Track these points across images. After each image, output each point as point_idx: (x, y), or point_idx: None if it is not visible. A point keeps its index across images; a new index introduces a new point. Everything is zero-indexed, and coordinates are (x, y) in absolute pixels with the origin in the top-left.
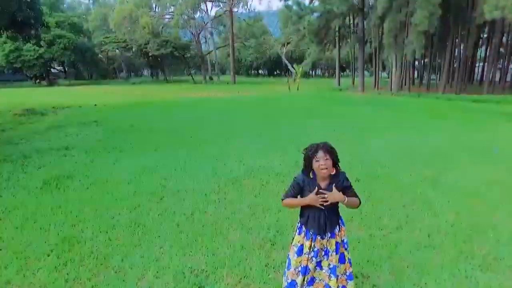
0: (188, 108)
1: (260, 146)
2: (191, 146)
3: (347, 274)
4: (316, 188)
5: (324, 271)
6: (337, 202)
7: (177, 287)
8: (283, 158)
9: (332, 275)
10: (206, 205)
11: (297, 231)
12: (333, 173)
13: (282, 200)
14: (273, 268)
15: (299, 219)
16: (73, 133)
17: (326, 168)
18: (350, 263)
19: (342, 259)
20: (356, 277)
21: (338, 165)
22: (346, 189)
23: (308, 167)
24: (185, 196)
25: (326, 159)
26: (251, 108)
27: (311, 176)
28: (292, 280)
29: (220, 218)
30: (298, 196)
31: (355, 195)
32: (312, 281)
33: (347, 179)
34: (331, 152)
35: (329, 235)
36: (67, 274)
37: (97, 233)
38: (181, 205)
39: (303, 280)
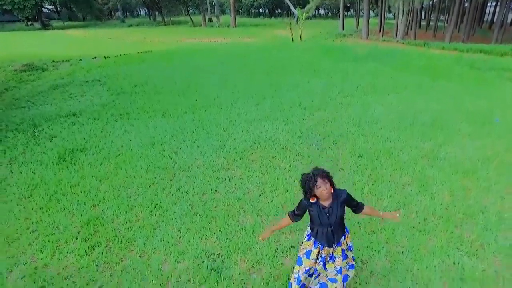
0: (190, 60)
1: (264, 113)
2: (197, 111)
3: (349, 265)
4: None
5: (329, 271)
6: (343, 217)
7: (197, 271)
8: (287, 127)
9: (338, 273)
10: (217, 183)
11: (306, 237)
12: (332, 191)
13: (289, 215)
14: (282, 253)
15: (308, 229)
16: (77, 94)
17: (329, 191)
18: (353, 258)
19: (345, 257)
20: (356, 263)
21: (333, 183)
22: (351, 201)
23: (308, 194)
24: (196, 172)
25: (326, 183)
26: (254, 64)
27: (313, 200)
28: (298, 275)
29: (231, 199)
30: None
31: (360, 202)
32: (318, 275)
33: (349, 195)
34: (327, 176)
35: (336, 244)
36: (97, 258)
37: (118, 214)
38: (193, 184)
39: (310, 275)
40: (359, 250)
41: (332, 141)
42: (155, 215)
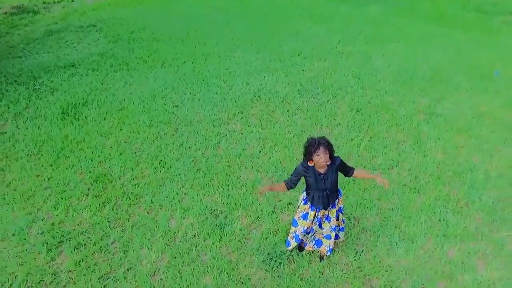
0: (189, 6)
1: (264, 63)
2: (197, 61)
3: (340, 227)
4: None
5: (324, 230)
6: (337, 181)
7: (201, 227)
8: (287, 79)
9: (332, 231)
10: (218, 139)
11: (303, 201)
12: (329, 163)
13: (284, 182)
14: (280, 209)
15: (304, 194)
16: (74, 41)
17: (325, 162)
18: (344, 221)
19: (337, 217)
20: (349, 219)
21: (333, 155)
22: (344, 167)
23: (308, 156)
24: (197, 127)
25: (326, 153)
26: (254, 10)
27: (311, 164)
28: (297, 234)
29: (232, 155)
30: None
31: (352, 167)
32: (314, 232)
33: (342, 161)
34: (329, 148)
35: (331, 206)
36: (108, 215)
37: (124, 171)
38: (195, 139)
39: (307, 233)
40: (352, 207)
41: (331, 94)
42: (160, 171)
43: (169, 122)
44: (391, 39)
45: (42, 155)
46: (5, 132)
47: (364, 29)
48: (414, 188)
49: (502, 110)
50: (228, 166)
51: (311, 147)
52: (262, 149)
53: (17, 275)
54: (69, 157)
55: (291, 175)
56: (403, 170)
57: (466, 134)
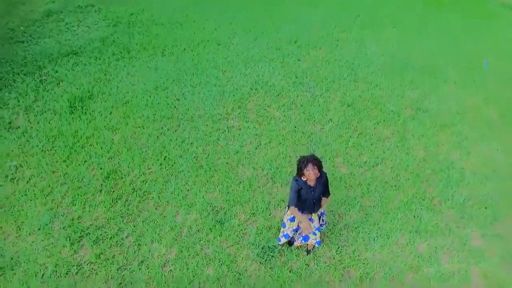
0: None
1: (261, 51)
2: (196, 48)
3: (322, 224)
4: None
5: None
6: (322, 193)
7: (204, 223)
8: (283, 70)
9: (317, 230)
10: (218, 135)
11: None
12: (318, 175)
13: (288, 206)
14: (273, 206)
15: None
16: (73, 23)
17: (315, 175)
18: (324, 222)
19: (319, 219)
20: (333, 216)
21: (321, 169)
22: (326, 187)
23: (300, 173)
24: (198, 123)
25: (314, 168)
26: None
27: (304, 178)
28: (286, 233)
29: (230, 152)
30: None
31: (327, 192)
32: (300, 230)
33: (327, 179)
34: (317, 163)
35: (316, 211)
36: (120, 210)
37: (132, 167)
38: (196, 135)
39: (296, 231)
40: (338, 204)
41: (325, 87)
42: (165, 168)
43: (172, 117)
44: (387, 23)
45: (55, 150)
46: (19, 127)
47: (360, 12)
48: (395, 186)
49: (485, 105)
50: (227, 163)
51: (301, 164)
52: (258, 146)
53: (47, 266)
54: (80, 153)
55: (290, 195)
56: (386, 168)
57: (449, 131)
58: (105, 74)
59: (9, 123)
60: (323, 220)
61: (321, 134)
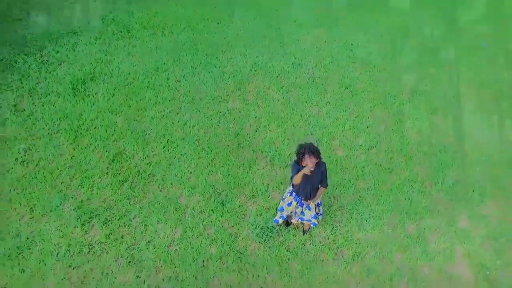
0: None
1: (260, 31)
2: (195, 27)
3: (319, 213)
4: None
5: (306, 216)
6: (319, 182)
7: (206, 204)
8: (282, 50)
9: (313, 218)
10: (218, 117)
11: (289, 193)
12: (317, 161)
13: (291, 179)
14: (272, 188)
15: (290, 187)
16: (72, 0)
17: (312, 164)
18: (321, 211)
19: (316, 208)
20: (329, 198)
21: (320, 158)
22: (323, 177)
23: (299, 160)
24: (199, 105)
25: (311, 157)
26: None
27: (304, 164)
28: (282, 215)
29: (230, 134)
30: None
31: (326, 183)
32: (296, 214)
33: (325, 169)
34: (313, 153)
35: (311, 198)
36: (126, 192)
37: (136, 149)
38: (198, 117)
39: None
40: (333, 186)
41: (323, 69)
42: (168, 150)
43: (173, 99)
44: (387, 3)
45: (61, 133)
46: (24, 110)
47: None
48: (388, 168)
49: (482, 89)
50: (228, 145)
51: (299, 154)
52: (258, 129)
53: (61, 246)
54: (85, 135)
55: (292, 173)
56: (381, 151)
57: (443, 114)
58: (105, 55)
59: (15, 105)
60: (319, 209)
61: (318, 117)
